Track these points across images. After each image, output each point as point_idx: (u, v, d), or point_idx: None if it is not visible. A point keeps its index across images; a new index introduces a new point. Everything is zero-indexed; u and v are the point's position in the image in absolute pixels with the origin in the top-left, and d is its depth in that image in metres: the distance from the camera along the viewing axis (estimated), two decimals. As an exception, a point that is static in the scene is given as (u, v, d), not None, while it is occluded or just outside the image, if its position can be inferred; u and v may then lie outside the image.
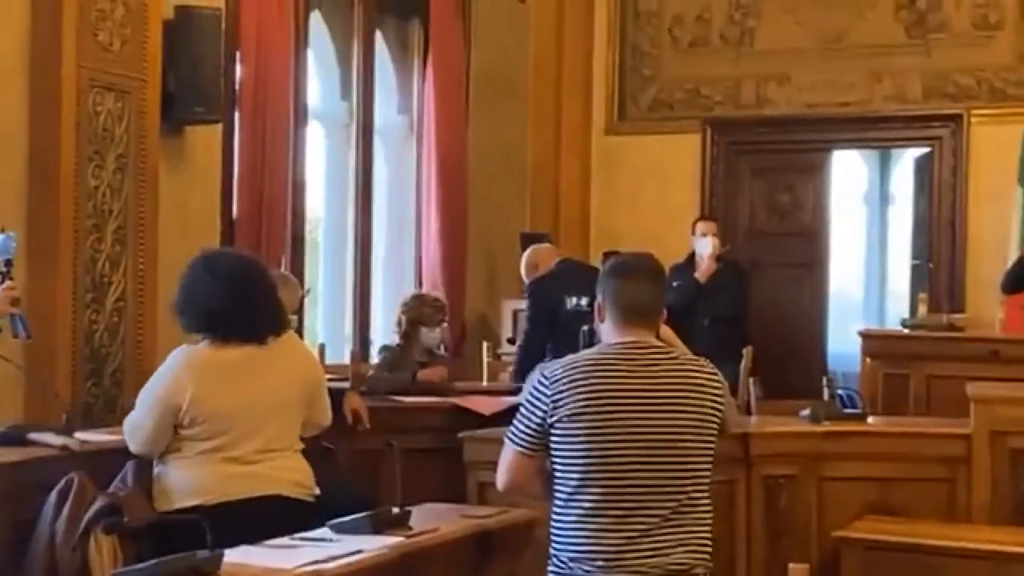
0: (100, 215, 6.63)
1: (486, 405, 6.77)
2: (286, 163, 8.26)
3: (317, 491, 4.71)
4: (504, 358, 9.31)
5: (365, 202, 9.55)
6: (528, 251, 7.99)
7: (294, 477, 4.71)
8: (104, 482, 4.62)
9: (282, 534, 4.05)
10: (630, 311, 4.00)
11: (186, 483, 4.56)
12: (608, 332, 4.02)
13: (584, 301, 6.80)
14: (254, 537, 3.94)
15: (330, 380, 7.02)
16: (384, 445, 5.95)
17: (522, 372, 7.30)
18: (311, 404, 4.87)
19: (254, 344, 4.68)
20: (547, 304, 7.41)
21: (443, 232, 9.91)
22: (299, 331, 6.75)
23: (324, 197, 9.36)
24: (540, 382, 3.93)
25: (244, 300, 4.71)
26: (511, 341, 9.58)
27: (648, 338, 3.94)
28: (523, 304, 8.04)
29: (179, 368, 4.60)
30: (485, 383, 8.37)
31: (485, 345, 8.83)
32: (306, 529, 4.12)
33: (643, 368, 3.93)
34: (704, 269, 9.26)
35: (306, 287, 8.08)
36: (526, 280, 7.74)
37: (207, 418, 4.56)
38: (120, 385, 6.60)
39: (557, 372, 3.94)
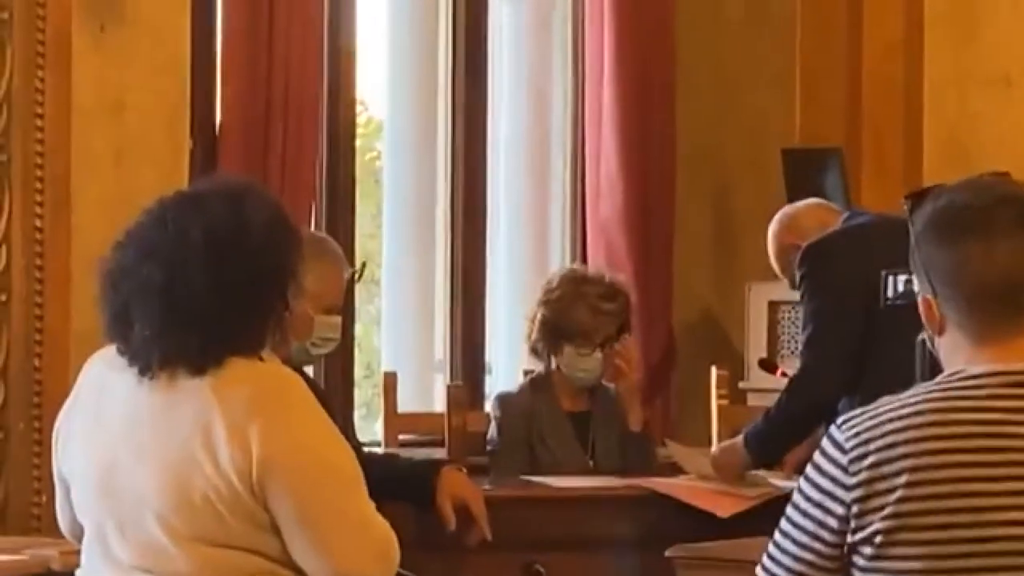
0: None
1: (721, 498, 5.34)
2: (320, 15, 6.61)
3: None
4: (752, 397, 7.10)
5: (473, 87, 7.29)
6: (787, 210, 5.81)
7: None
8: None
9: None
10: (997, 300, 2.84)
11: None
12: (955, 349, 2.94)
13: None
14: None
15: (409, 445, 6.37)
16: (522, 573, 4.77)
17: (793, 428, 5.39)
18: (283, 511, 3.48)
19: (165, 371, 3.55)
20: (848, 285, 5.26)
21: (627, 149, 7.35)
22: (344, 349, 5.85)
23: (389, 79, 7.44)
24: (830, 456, 2.89)
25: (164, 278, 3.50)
26: (767, 366, 6.74)
27: None
28: (790, 290, 6.02)
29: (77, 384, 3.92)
30: (716, 450, 6.71)
31: (715, 374, 6.74)
32: None
33: None
34: None
35: (358, 262, 6.44)
36: (777, 263, 5.71)
37: (73, 481, 3.78)
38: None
39: (864, 436, 2.85)
